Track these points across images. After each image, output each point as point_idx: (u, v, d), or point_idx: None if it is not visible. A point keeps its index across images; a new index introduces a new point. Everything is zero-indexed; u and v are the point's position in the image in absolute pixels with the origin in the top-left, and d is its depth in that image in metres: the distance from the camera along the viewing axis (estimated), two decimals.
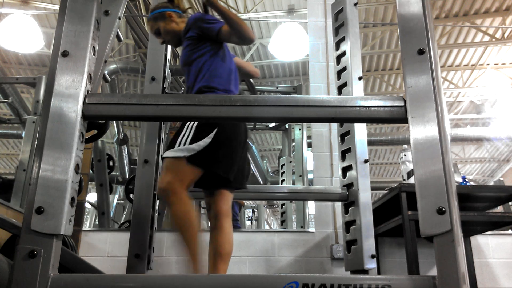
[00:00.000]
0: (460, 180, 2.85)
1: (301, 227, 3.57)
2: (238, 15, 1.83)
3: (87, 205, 4.09)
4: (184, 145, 1.65)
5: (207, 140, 1.66)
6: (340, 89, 2.09)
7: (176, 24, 1.95)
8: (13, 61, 5.85)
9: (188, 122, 1.69)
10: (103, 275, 1.00)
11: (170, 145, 1.71)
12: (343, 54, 2.10)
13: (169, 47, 2.17)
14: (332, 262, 2.78)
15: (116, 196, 5.15)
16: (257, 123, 4.58)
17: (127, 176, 4.92)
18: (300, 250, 2.81)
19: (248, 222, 6.69)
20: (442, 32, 5.83)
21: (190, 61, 1.84)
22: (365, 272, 1.78)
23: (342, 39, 2.12)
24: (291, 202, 3.94)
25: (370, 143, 6.65)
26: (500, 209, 3.23)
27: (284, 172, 4.06)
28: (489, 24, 5.74)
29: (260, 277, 0.86)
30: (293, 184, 3.68)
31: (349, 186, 1.97)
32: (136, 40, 5.29)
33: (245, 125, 1.85)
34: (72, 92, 0.92)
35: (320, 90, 3.18)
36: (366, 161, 1.95)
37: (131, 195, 3.64)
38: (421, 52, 0.94)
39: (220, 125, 1.69)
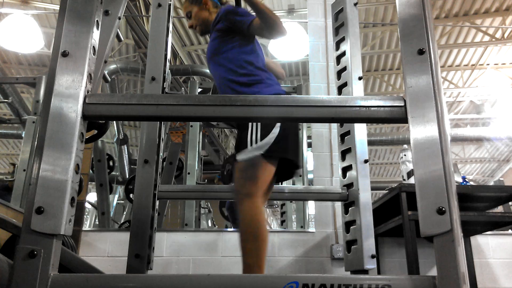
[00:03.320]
0: (460, 180, 2.85)
1: (301, 227, 3.57)
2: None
3: (87, 205, 4.09)
4: (256, 143, 1.66)
5: (275, 131, 1.67)
6: (340, 89, 2.09)
7: (209, 13, 1.96)
8: (13, 61, 5.85)
9: (251, 124, 1.69)
10: (103, 275, 1.00)
11: (239, 148, 1.70)
12: (343, 54, 2.10)
13: (169, 46, 2.16)
14: (332, 262, 2.78)
15: (116, 196, 5.15)
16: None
17: (127, 176, 4.92)
18: (300, 250, 2.81)
19: None
20: (442, 32, 5.83)
21: (219, 53, 1.83)
22: (365, 272, 1.78)
23: (342, 39, 2.12)
24: (291, 202, 3.94)
25: (370, 143, 6.64)
26: (500, 209, 3.22)
27: None
28: (489, 24, 5.74)
29: (260, 277, 0.86)
30: (293, 184, 3.68)
31: (349, 186, 1.97)
32: (136, 40, 5.29)
33: None
34: (72, 92, 0.92)
35: (320, 90, 3.18)
36: (366, 161, 1.95)
37: (131, 195, 3.64)
38: (421, 52, 0.94)
39: None
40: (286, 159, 1.72)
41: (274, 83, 1.84)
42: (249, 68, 1.78)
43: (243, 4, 1.96)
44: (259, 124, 1.68)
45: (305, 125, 3.87)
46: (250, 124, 1.70)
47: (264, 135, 1.66)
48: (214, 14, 1.96)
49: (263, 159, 1.64)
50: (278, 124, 1.68)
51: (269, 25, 1.73)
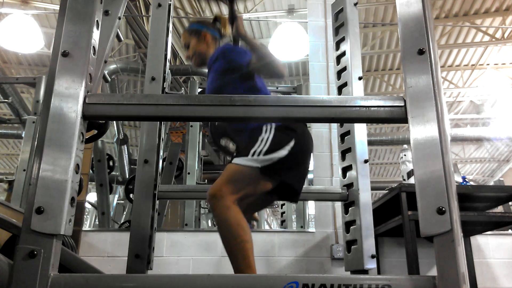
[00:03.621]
0: (460, 180, 2.85)
1: (301, 227, 3.57)
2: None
3: (87, 205, 4.09)
4: (259, 155, 1.60)
5: (283, 152, 1.62)
6: (340, 89, 2.09)
7: (207, 47, 1.94)
8: (13, 61, 5.85)
9: (263, 135, 1.65)
10: (103, 275, 1.00)
11: (241, 153, 1.65)
12: (343, 54, 2.10)
13: (169, 46, 2.16)
14: (332, 262, 2.78)
15: (116, 196, 5.16)
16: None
17: (127, 176, 4.92)
18: (300, 250, 2.81)
19: None
20: (442, 32, 5.83)
21: (219, 93, 1.78)
22: (365, 272, 1.78)
23: (342, 39, 2.12)
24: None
25: (370, 143, 6.64)
26: (500, 209, 3.22)
27: None
28: (489, 24, 5.74)
29: (260, 277, 0.86)
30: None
31: (349, 186, 1.97)
32: (136, 40, 5.29)
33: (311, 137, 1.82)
34: (72, 92, 0.92)
35: (320, 90, 3.18)
36: (366, 161, 1.95)
37: (131, 195, 3.64)
38: (421, 52, 0.94)
39: (297, 137, 1.66)
40: (283, 183, 1.66)
41: None
42: None
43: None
44: (269, 139, 1.63)
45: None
46: (260, 137, 1.65)
47: (270, 151, 1.61)
48: (212, 47, 1.94)
49: (256, 173, 1.59)
50: (289, 147, 1.63)
51: (266, 65, 1.72)
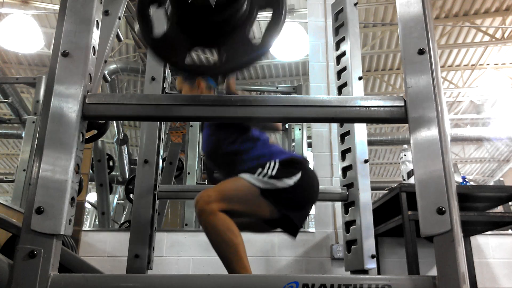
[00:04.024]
0: (460, 180, 2.85)
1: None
2: None
3: (87, 205, 4.09)
4: (264, 177, 1.57)
5: (289, 182, 1.59)
6: (340, 89, 2.09)
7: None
8: (13, 61, 5.85)
9: (269, 164, 1.62)
10: (103, 275, 1.00)
11: (246, 171, 1.62)
12: (343, 54, 2.10)
13: None
14: (332, 262, 2.78)
15: (116, 196, 5.15)
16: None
17: (127, 176, 4.92)
18: (300, 250, 2.81)
19: None
20: (442, 32, 5.83)
21: (218, 151, 1.77)
22: (365, 272, 1.78)
23: (342, 39, 2.12)
24: None
25: (370, 143, 6.64)
26: (500, 209, 3.22)
27: None
28: (489, 24, 5.74)
29: (260, 277, 0.86)
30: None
31: (349, 186, 1.97)
32: (136, 40, 5.29)
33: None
34: (72, 92, 0.92)
35: (320, 90, 3.18)
36: (366, 161, 1.95)
37: (131, 195, 3.64)
38: (421, 52, 0.94)
39: (303, 171, 1.64)
40: (281, 212, 1.61)
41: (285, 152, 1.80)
42: (251, 152, 1.73)
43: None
44: (276, 166, 1.61)
45: (305, 125, 3.88)
46: (267, 164, 1.61)
47: (277, 177, 1.58)
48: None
49: (258, 194, 1.55)
50: (296, 178, 1.59)
51: (264, 123, 1.71)
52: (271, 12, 0.95)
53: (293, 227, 1.67)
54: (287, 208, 1.61)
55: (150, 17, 0.94)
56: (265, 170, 1.60)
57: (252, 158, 1.69)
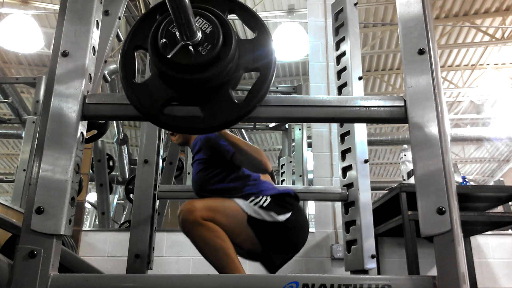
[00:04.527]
0: (460, 180, 2.85)
1: None
2: None
3: (87, 205, 4.09)
4: (255, 205, 1.57)
5: (280, 218, 1.58)
6: (340, 89, 2.09)
7: None
8: (13, 61, 5.84)
9: (261, 197, 1.62)
10: (103, 275, 1.00)
11: (240, 196, 1.62)
12: (343, 54, 2.10)
13: None
14: (332, 262, 2.78)
15: (116, 196, 5.15)
16: (257, 123, 4.58)
17: (127, 176, 4.92)
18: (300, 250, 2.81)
19: None
20: (442, 32, 5.83)
21: (207, 187, 1.76)
22: (365, 272, 1.78)
23: (342, 39, 2.12)
24: None
25: (370, 143, 6.64)
26: (500, 209, 3.22)
27: (284, 172, 4.06)
28: (489, 24, 5.74)
29: (260, 277, 0.86)
30: (293, 184, 3.68)
31: (349, 186, 1.97)
32: None
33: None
34: (72, 92, 0.92)
35: (320, 90, 3.18)
36: (366, 161, 1.95)
37: (131, 195, 3.64)
38: (421, 52, 0.94)
39: (295, 210, 1.63)
40: (261, 247, 1.58)
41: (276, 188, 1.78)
42: (240, 191, 1.71)
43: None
44: (268, 200, 1.60)
45: (305, 125, 3.87)
46: (261, 196, 1.62)
47: (267, 209, 1.57)
48: None
49: (245, 220, 1.55)
50: (286, 217, 1.58)
51: (251, 162, 1.67)
52: (258, 75, 0.91)
53: (271, 266, 1.63)
54: (270, 245, 1.58)
55: (134, 62, 0.91)
56: (257, 200, 1.59)
57: (243, 195, 1.66)
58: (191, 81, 0.86)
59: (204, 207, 1.51)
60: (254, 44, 0.92)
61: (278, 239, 1.59)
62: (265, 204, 1.59)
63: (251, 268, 2.73)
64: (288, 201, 1.67)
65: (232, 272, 1.44)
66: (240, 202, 1.59)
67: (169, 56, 0.84)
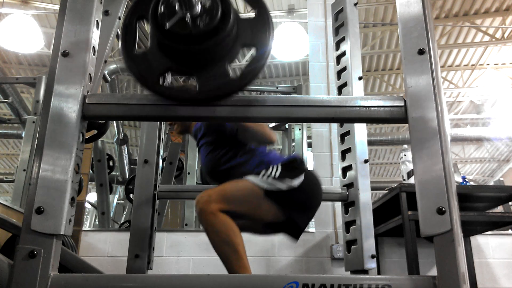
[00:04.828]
0: (460, 180, 2.85)
1: None
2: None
3: (87, 205, 4.09)
4: (268, 178, 1.57)
5: (295, 182, 1.59)
6: (340, 89, 2.09)
7: None
8: (13, 61, 5.84)
9: (272, 167, 1.62)
10: (103, 275, 1.00)
11: (250, 172, 1.63)
12: (343, 54, 2.10)
13: None
14: (332, 262, 2.78)
15: (116, 196, 5.15)
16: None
17: (127, 176, 4.92)
18: (300, 250, 2.81)
19: None
20: (442, 32, 5.83)
21: (218, 168, 1.77)
22: (365, 272, 1.78)
23: (342, 39, 2.12)
24: None
25: (370, 143, 6.64)
26: (500, 209, 3.22)
27: None
28: (489, 24, 5.74)
29: (260, 277, 0.86)
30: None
31: (349, 186, 1.97)
32: None
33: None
34: (72, 92, 0.92)
35: (320, 90, 3.18)
36: (366, 161, 1.95)
37: (131, 195, 3.64)
38: (421, 52, 0.94)
39: (306, 173, 1.64)
40: (286, 214, 1.60)
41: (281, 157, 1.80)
42: (250, 163, 1.73)
43: None
44: (279, 168, 1.61)
45: (305, 125, 3.88)
46: (271, 167, 1.62)
47: (281, 177, 1.58)
48: None
49: (262, 195, 1.55)
50: (300, 179, 1.60)
51: (255, 136, 1.72)
52: (254, 51, 0.93)
53: (296, 230, 1.66)
54: (292, 209, 1.60)
55: (135, 33, 0.93)
56: (269, 172, 1.60)
57: (253, 167, 1.69)
58: (188, 52, 0.89)
59: (220, 197, 1.53)
60: (253, 21, 0.95)
61: (298, 203, 1.62)
62: (277, 174, 1.60)
63: (251, 268, 2.73)
64: (297, 165, 1.69)
65: (238, 268, 1.45)
66: (253, 179, 1.59)
67: (167, 27, 0.87)
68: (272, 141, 1.73)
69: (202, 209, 1.50)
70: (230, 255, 1.47)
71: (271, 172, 1.60)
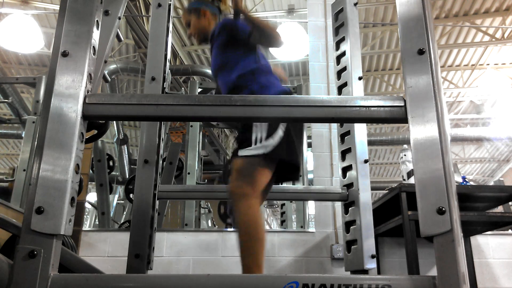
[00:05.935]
0: (460, 180, 2.85)
1: (301, 227, 3.57)
2: None
3: (87, 205, 4.09)
4: (261, 142, 1.64)
5: (280, 133, 1.67)
6: (340, 89, 2.09)
7: (208, 23, 2.01)
8: (13, 61, 5.84)
9: (256, 124, 1.69)
10: (103, 275, 1.00)
11: (242, 146, 1.68)
12: (343, 54, 2.10)
13: (169, 46, 2.17)
14: (332, 262, 2.78)
15: (116, 196, 5.15)
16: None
17: (127, 176, 4.92)
18: (300, 250, 2.81)
19: None
20: (442, 32, 5.83)
21: (225, 67, 1.86)
22: (365, 272, 1.78)
23: (342, 39, 2.12)
24: (291, 202, 3.93)
25: (370, 143, 6.64)
26: (500, 209, 3.23)
27: None
28: (489, 24, 5.75)
29: (260, 277, 0.86)
30: (293, 184, 3.68)
31: (349, 186, 1.97)
32: (136, 40, 5.29)
33: None
34: (72, 92, 0.92)
35: (320, 90, 3.18)
36: (366, 161, 1.95)
37: (131, 195, 3.64)
38: (421, 52, 0.94)
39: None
40: (286, 162, 1.71)
41: (279, 85, 1.89)
42: (256, 76, 1.82)
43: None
44: (263, 124, 1.68)
45: (305, 125, 3.87)
46: (254, 124, 1.69)
47: (269, 135, 1.66)
48: (212, 23, 2.01)
49: (263, 160, 1.63)
50: (281, 127, 1.68)
51: (265, 36, 1.81)
52: None
53: (293, 169, 1.77)
54: (285, 154, 1.68)
55: None
56: (258, 134, 1.66)
57: (245, 139, 1.74)
58: None
59: (251, 186, 1.59)
60: None
61: (288, 146, 1.69)
62: (264, 134, 1.66)
63: None
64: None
65: (252, 263, 1.49)
66: (250, 152, 1.64)
67: None
68: (281, 43, 1.83)
69: (240, 203, 1.55)
70: (250, 249, 1.51)
71: (261, 136, 1.66)
